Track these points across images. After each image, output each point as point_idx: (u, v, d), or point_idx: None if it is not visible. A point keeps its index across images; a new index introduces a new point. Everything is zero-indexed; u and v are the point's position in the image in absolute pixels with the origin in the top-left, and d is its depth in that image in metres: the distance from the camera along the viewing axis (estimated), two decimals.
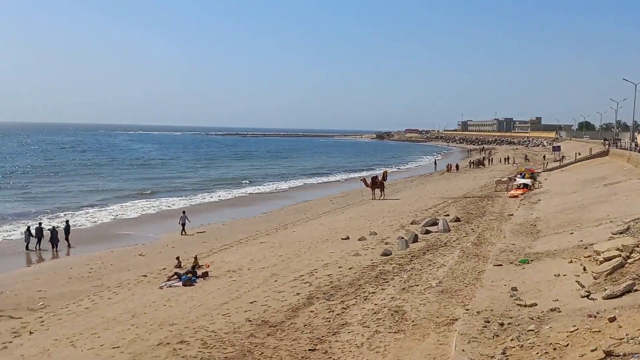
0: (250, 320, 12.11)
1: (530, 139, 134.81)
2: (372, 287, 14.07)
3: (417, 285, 13.71)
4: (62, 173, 59.79)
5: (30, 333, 12.30)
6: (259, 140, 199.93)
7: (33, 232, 23.74)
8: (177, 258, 18.91)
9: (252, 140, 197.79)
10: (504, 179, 39.15)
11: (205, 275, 16.96)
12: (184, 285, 15.93)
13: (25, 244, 23.35)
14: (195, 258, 18.66)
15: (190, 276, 16.43)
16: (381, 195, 37.08)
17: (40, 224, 25.07)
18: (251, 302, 13.54)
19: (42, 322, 13.18)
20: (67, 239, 24.22)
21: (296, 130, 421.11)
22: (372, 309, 12.12)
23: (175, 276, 16.71)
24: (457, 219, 24.38)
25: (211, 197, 42.28)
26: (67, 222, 25.84)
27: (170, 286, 15.99)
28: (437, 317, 11.06)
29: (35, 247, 23.41)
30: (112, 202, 37.73)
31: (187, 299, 14.49)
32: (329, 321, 11.67)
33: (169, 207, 36.43)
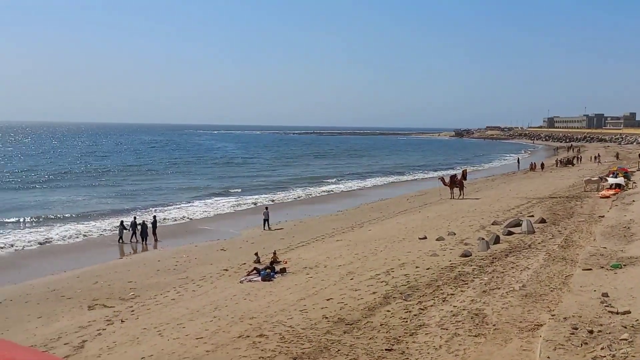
0: (326, 317, 12.21)
1: (623, 136, 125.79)
2: (451, 288, 13.73)
3: (499, 288, 13.23)
4: (152, 171, 63.18)
5: (122, 321, 13.11)
6: (336, 139, 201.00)
7: (126, 225, 25.41)
8: (256, 254, 19.44)
9: (329, 139, 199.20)
10: (595, 179, 36.83)
11: (283, 271, 17.30)
12: (263, 280, 16.34)
13: (119, 237, 25.01)
14: (274, 253, 19.11)
15: (269, 272, 16.82)
16: (460, 194, 36.11)
17: (135, 218, 26.69)
18: (328, 299, 13.64)
19: (133, 311, 14.01)
20: (154, 233, 25.63)
21: (373, 129, 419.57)
22: (451, 311, 11.84)
23: (255, 271, 17.17)
24: (543, 220, 23.25)
25: (289, 195, 43.07)
26: (154, 217, 27.30)
27: (250, 281, 16.47)
28: (520, 321, 10.62)
29: (130, 240, 25.01)
30: (197, 199, 39.42)
31: (266, 293, 14.85)
32: (406, 321, 11.52)
33: (250, 204, 37.53)
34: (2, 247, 23.41)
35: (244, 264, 18.93)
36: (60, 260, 21.46)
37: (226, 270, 18.27)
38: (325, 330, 11.39)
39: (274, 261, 18.28)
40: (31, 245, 24.16)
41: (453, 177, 37.97)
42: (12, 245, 23.74)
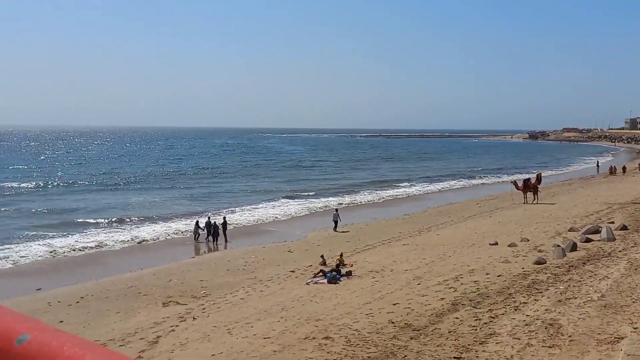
0: (393, 322, 12.09)
1: None
2: (524, 296, 13.22)
3: (576, 298, 12.59)
4: (224, 174, 65.08)
5: (193, 319, 13.60)
6: (403, 142, 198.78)
7: (201, 225, 26.39)
8: (322, 256, 19.58)
9: (397, 142, 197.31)
10: None
11: (349, 274, 17.32)
12: (329, 282, 16.42)
13: (194, 236, 26.06)
14: (341, 256, 19.18)
15: (335, 274, 16.88)
16: (534, 199, 34.69)
17: (209, 218, 27.61)
18: (394, 304, 13.51)
19: (204, 309, 14.50)
20: (224, 233, 26.44)
21: (442, 131, 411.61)
22: (524, 320, 11.39)
23: (321, 273, 17.29)
24: (624, 227, 21.88)
25: (357, 198, 43.04)
26: (224, 218, 28.14)
27: (316, 283, 16.61)
28: (599, 333, 10.05)
29: (206, 240, 25.95)
30: (266, 201, 40.24)
31: (332, 296, 14.91)
32: (476, 329, 11.21)
33: (318, 207, 37.84)
34: (86, 247, 24.88)
35: (310, 265, 19.11)
36: (137, 258, 22.56)
37: (293, 271, 18.52)
38: (392, 335, 11.28)
39: (340, 264, 18.34)
40: (113, 244, 25.52)
41: (527, 180, 36.55)
42: (99, 244, 25.15)
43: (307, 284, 16.64)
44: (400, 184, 53.98)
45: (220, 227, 26.39)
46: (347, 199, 42.08)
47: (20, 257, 22.41)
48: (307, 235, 27.01)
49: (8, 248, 23.73)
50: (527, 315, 11.69)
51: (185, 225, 29.56)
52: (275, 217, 33.67)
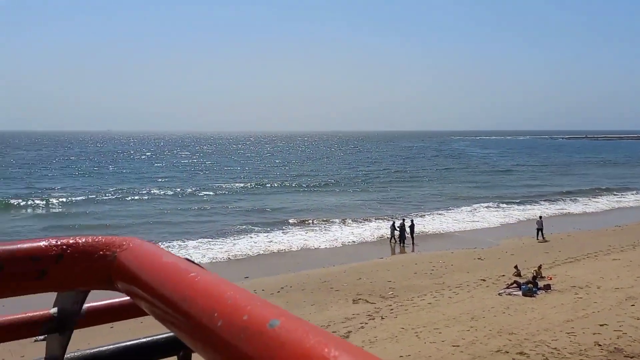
0: (599, 345, 10.90)
1: None
2: None
3: None
4: (414, 177, 65.02)
5: (382, 318, 13.92)
6: (615, 144, 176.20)
7: (397, 227, 26.90)
8: (516, 266, 18.46)
9: (607, 145, 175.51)
10: None
11: (547, 287, 16.07)
12: (524, 295, 15.45)
13: (390, 237, 26.68)
14: (539, 267, 17.89)
15: (531, 287, 15.81)
16: None
17: (403, 220, 27.91)
18: (601, 325, 12.16)
19: (392, 310, 14.73)
20: (412, 236, 26.51)
21: None
22: None
23: (515, 284, 16.34)
24: None
25: (559, 206, 39.59)
26: (412, 221, 28.16)
27: (509, 294, 15.74)
28: None
29: (397, 241, 26.39)
30: (456, 206, 39.23)
31: (527, 309, 13.99)
32: None
33: (514, 214, 35.79)
34: (287, 242, 27.11)
35: (503, 275, 18.14)
36: (331, 255, 23.86)
37: (483, 280, 17.78)
38: (598, 359, 10.18)
39: (537, 276, 17.08)
40: (309, 241, 27.32)
41: None
42: (299, 241, 27.18)
43: (499, 294, 15.85)
44: (613, 192, 48.01)
45: (407, 230, 26.53)
46: (548, 207, 38.90)
47: (235, 249, 25.37)
48: (499, 243, 25.67)
49: (224, 241, 27.04)
50: None
51: (374, 228, 30.35)
52: (466, 223, 32.63)
